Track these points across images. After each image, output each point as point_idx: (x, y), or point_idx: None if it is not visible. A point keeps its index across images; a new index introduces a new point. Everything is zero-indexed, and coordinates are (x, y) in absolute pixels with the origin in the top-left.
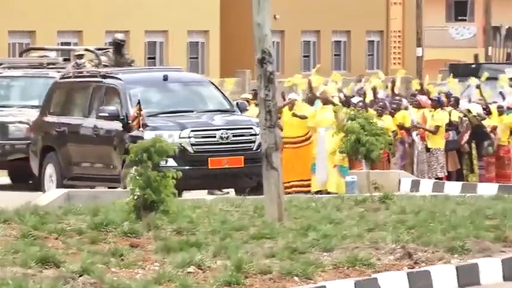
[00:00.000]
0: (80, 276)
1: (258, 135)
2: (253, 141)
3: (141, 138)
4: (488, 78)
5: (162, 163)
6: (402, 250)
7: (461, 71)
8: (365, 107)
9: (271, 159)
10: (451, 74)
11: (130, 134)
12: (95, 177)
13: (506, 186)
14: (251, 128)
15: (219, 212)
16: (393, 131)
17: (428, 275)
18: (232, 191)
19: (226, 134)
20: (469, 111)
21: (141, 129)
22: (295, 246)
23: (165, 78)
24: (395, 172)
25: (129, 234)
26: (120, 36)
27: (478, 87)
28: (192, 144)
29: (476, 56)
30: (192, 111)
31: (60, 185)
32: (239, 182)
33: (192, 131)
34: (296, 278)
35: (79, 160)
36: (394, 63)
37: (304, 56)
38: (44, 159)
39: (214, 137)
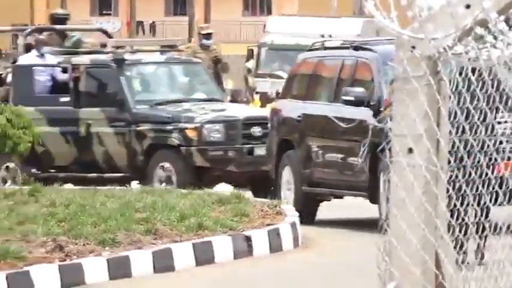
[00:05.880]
0: None
1: None
2: None
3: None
4: None
5: None
6: (53, 243)
7: None
8: None
9: None
10: None
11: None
12: (338, 183)
13: None
14: None
15: None
16: None
17: (80, 267)
18: None
19: None
20: None
21: None
22: None
23: None
24: None
25: None
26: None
27: None
28: None
29: None
30: None
31: (298, 194)
32: None
33: None
34: None
35: (320, 160)
36: None
37: None
38: (280, 159)
39: None
